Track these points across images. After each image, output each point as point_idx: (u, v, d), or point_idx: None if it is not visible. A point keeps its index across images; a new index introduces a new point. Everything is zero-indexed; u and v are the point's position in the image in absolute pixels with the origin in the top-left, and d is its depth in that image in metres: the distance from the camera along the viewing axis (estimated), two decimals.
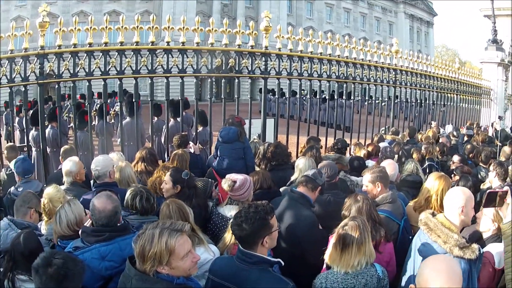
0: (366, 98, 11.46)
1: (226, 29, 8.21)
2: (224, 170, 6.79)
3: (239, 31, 8.37)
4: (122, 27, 7.24)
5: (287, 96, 11.90)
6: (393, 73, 11.85)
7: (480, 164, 9.08)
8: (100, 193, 3.91)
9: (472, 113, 18.04)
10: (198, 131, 9.40)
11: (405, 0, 70.10)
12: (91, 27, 7.16)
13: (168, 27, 7.65)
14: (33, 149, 9.47)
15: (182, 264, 3.03)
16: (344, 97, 10.34)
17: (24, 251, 3.47)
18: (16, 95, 8.88)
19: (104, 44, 7.29)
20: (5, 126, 15.13)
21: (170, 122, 10.07)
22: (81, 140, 8.95)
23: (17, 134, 14.57)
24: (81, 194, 5.16)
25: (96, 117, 13.89)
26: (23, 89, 7.22)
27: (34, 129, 9.72)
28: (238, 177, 4.92)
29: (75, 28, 7.08)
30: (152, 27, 7.50)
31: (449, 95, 15.56)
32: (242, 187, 4.87)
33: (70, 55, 7.13)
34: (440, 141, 10.69)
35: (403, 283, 4.05)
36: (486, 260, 4.01)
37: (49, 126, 9.58)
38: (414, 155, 8.13)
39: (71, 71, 7.16)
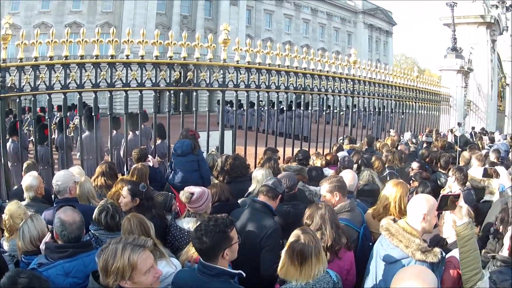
0: (324, 108, 11.74)
1: (185, 42, 8.31)
2: (179, 184, 6.97)
3: (198, 44, 8.45)
4: (82, 40, 7.29)
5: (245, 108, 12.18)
6: (351, 83, 12.15)
7: (439, 170, 9.34)
8: (62, 208, 3.91)
9: (431, 120, 18.63)
10: (156, 144, 9.46)
11: (365, 10, 71.51)
12: (52, 40, 7.20)
13: (128, 40, 7.72)
14: None
15: (144, 279, 3.08)
16: (302, 107, 10.61)
17: None
18: None
19: (64, 58, 7.30)
20: None
21: (129, 135, 10.13)
22: (41, 154, 8.94)
23: None
24: (42, 210, 5.16)
25: (56, 130, 13.84)
26: None
27: None
28: (196, 189, 4.97)
29: (36, 41, 7.08)
30: (112, 40, 7.58)
31: (407, 103, 16.06)
32: (200, 199, 4.92)
33: (31, 68, 7.12)
34: (399, 148, 10.95)
35: (365, 286, 4.22)
36: (451, 264, 4.14)
37: (10, 140, 9.53)
38: (376, 163, 8.35)
39: (32, 85, 7.15)
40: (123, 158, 9.65)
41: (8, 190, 7.36)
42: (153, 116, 8.76)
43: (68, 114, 14.80)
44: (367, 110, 13.89)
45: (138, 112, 8.50)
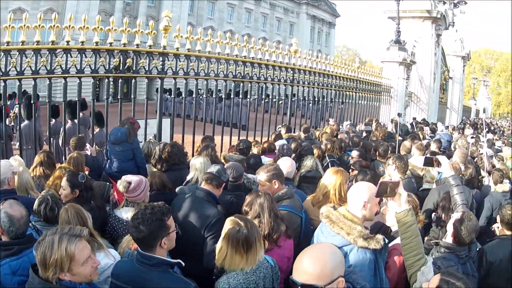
0: (263, 96, 12.00)
1: (125, 29, 8.29)
2: (115, 173, 7.01)
3: (138, 30, 8.43)
4: (24, 25, 7.02)
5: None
6: (291, 72, 12.36)
7: (378, 158, 9.60)
8: (7, 202, 3.85)
9: (371, 110, 19.04)
10: (94, 132, 9.46)
11: (308, 1, 72.58)
12: None
13: (69, 26, 7.59)
14: None
15: (83, 270, 3.11)
16: (240, 96, 10.82)
17: None
18: None
19: (6, 44, 7.05)
20: None
21: (68, 124, 10.18)
22: None
23: None
24: None
25: None
26: None
27: None
28: (133, 178, 5.03)
29: None
30: (53, 26, 7.39)
31: (348, 93, 16.38)
32: (137, 188, 4.98)
33: None
34: (339, 137, 11.10)
35: None
36: (396, 251, 4.30)
37: None
38: (315, 152, 8.47)
39: None
40: (62, 147, 9.53)
41: None
42: (92, 104, 8.71)
43: (8, 103, 14.46)
44: (306, 99, 14.14)
45: (77, 99, 8.32)
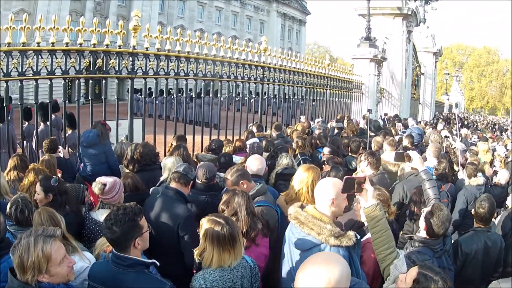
0: (234, 95, 12.08)
1: (95, 29, 8.27)
2: (90, 176, 7.00)
3: (108, 30, 8.43)
4: None
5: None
6: (261, 70, 12.52)
7: (350, 154, 9.74)
8: None
9: (343, 107, 19.18)
10: (67, 134, 9.42)
11: None
12: None
13: (39, 27, 7.57)
14: None
15: (60, 270, 3.14)
16: (211, 94, 10.89)
17: None
18: None
19: None
20: None
21: (40, 126, 10.09)
22: None
23: None
24: None
25: None
26: None
27: None
28: (108, 179, 5.06)
29: None
30: (24, 27, 7.34)
31: (319, 90, 16.51)
32: (112, 190, 5.02)
33: None
34: (314, 134, 11.35)
35: (283, 275, 4.16)
36: (370, 245, 4.29)
37: None
38: (289, 150, 8.45)
39: None
40: (35, 150, 9.62)
41: None
42: (63, 105, 8.71)
43: None
44: (277, 97, 14.20)
45: (48, 101, 8.39)
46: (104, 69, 8.82)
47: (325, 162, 8.18)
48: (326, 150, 8.97)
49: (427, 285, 3.20)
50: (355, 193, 4.23)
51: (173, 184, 5.21)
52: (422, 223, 4.73)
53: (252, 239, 4.56)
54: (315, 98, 16.44)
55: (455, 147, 12.09)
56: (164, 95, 10.23)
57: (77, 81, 8.57)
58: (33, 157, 9.94)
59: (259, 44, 12.78)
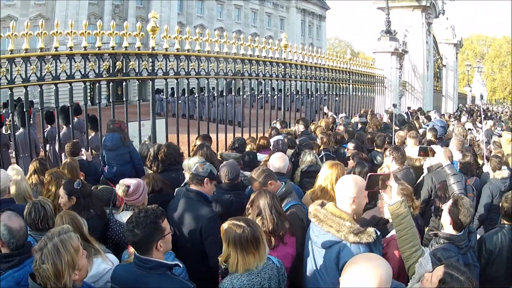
0: (257, 93, 11.95)
1: (113, 32, 8.24)
2: (114, 178, 6.97)
3: (126, 33, 8.40)
4: (12, 34, 7.05)
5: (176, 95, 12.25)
6: (283, 67, 12.37)
7: (376, 149, 9.56)
8: (5, 214, 3.77)
9: (366, 101, 19.01)
10: (90, 137, 9.42)
11: None
12: None
13: (56, 32, 7.53)
14: None
15: (84, 261, 3.19)
16: (233, 93, 10.79)
17: None
18: None
19: None
20: None
21: (63, 129, 10.18)
22: None
23: None
24: None
25: None
26: None
27: None
28: (132, 181, 5.03)
29: None
30: (41, 33, 7.35)
31: (341, 85, 16.38)
32: (136, 192, 4.98)
33: None
34: (338, 129, 11.25)
35: (307, 273, 4.18)
36: (395, 242, 4.25)
37: None
38: (313, 146, 8.46)
39: None
40: (58, 153, 9.55)
41: None
42: (84, 108, 8.69)
43: (3, 111, 14.53)
44: (300, 93, 14.14)
45: (70, 105, 8.35)
46: (124, 71, 8.75)
47: (350, 158, 8.03)
48: (350, 145, 8.84)
49: (453, 285, 3.15)
50: (379, 190, 4.12)
51: (192, 186, 5.13)
52: (446, 218, 4.65)
53: (280, 238, 4.50)
54: (338, 93, 16.36)
55: (479, 140, 11.80)
56: (186, 94, 10.10)
57: (97, 84, 8.61)
58: (57, 160, 9.99)
59: (279, 40, 12.59)
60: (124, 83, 8.83)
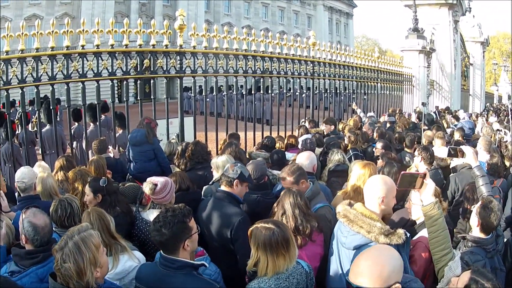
0: (285, 91, 11.83)
1: (140, 30, 8.21)
2: (138, 174, 7.03)
3: (153, 31, 8.36)
4: (37, 32, 7.06)
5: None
6: (311, 65, 12.22)
7: (405, 149, 9.44)
8: (30, 210, 3.75)
9: (394, 100, 18.91)
10: (117, 134, 9.44)
11: None
12: (7, 35, 6.96)
13: (83, 30, 7.59)
14: None
15: (104, 258, 3.15)
16: (262, 91, 10.69)
17: None
18: None
19: (20, 51, 7.07)
20: None
21: (90, 127, 10.18)
22: (4, 151, 9.07)
23: None
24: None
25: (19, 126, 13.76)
26: None
27: None
28: (159, 179, 4.95)
29: None
30: (67, 31, 7.36)
31: (369, 83, 16.26)
32: (163, 190, 4.89)
33: None
34: (364, 129, 11.00)
35: (331, 273, 4.15)
36: (422, 244, 4.20)
37: None
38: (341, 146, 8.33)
39: None
40: (86, 150, 9.53)
41: None
42: (111, 106, 8.77)
43: (30, 109, 14.68)
44: (328, 91, 14.00)
45: (97, 103, 8.32)
46: (152, 69, 8.77)
47: (380, 158, 7.78)
48: (379, 145, 8.68)
49: None
50: (414, 189, 4.01)
51: (222, 187, 5.05)
52: (474, 220, 4.55)
53: (307, 236, 4.38)
54: (366, 92, 16.22)
55: (507, 141, 11.48)
56: (215, 92, 10.03)
57: (125, 82, 8.59)
58: (83, 158, 10.09)
59: (307, 38, 12.40)
60: (152, 81, 8.79)
